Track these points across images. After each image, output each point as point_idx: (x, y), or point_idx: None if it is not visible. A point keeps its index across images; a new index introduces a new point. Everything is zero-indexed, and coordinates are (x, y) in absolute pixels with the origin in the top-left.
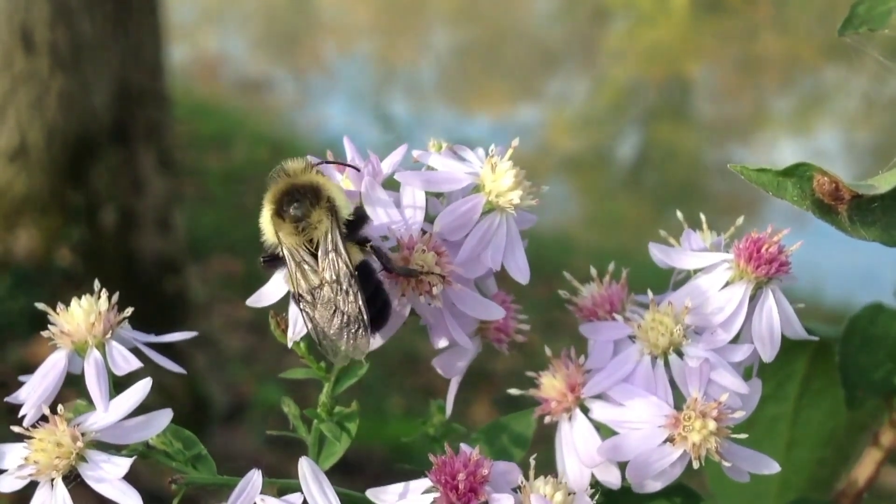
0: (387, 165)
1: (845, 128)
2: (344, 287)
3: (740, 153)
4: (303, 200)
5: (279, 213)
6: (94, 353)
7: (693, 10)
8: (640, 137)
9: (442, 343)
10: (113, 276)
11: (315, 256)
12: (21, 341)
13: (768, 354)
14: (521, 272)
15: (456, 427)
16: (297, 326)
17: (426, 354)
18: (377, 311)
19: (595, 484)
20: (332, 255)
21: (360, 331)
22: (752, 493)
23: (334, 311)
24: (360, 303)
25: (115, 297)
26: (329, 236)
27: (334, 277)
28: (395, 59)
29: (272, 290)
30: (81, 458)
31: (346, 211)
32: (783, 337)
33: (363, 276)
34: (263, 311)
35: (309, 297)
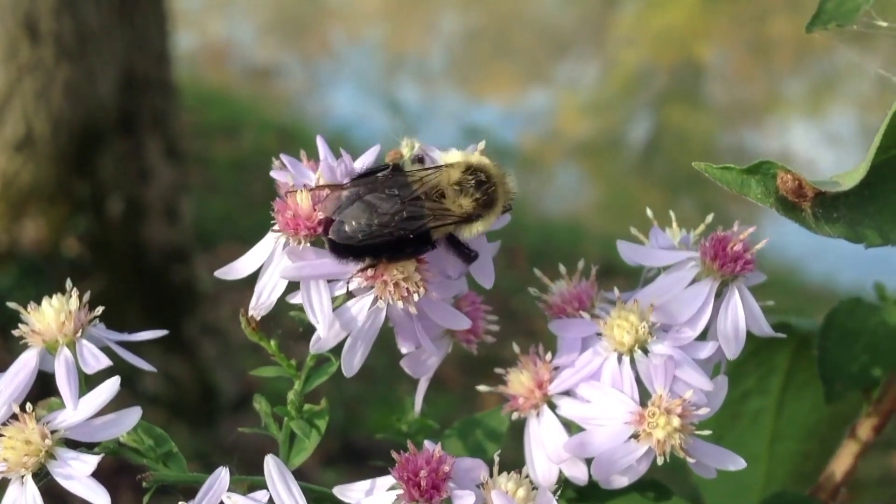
0: (359, 165)
1: (858, 110)
2: (403, 216)
3: (753, 137)
4: (484, 187)
5: (468, 171)
6: (65, 352)
7: None
8: (652, 122)
9: (408, 348)
10: (120, 266)
11: (430, 197)
12: None
13: (732, 351)
14: (486, 276)
15: (429, 423)
16: (260, 298)
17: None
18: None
19: (564, 480)
20: (438, 208)
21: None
22: (736, 486)
23: (378, 208)
24: (382, 234)
25: (87, 296)
26: (453, 208)
27: (414, 206)
28: (404, 45)
29: (245, 264)
30: (51, 455)
31: (471, 230)
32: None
33: (417, 240)
34: None
35: (394, 188)
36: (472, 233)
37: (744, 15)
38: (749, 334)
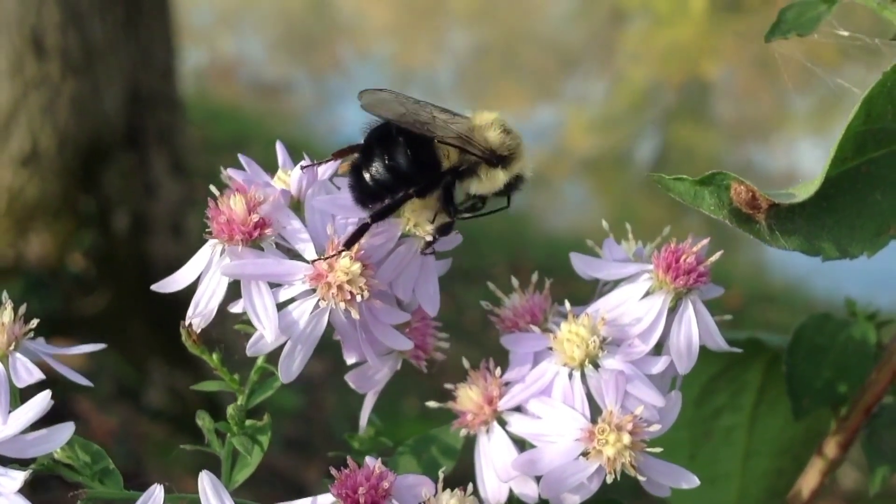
0: (323, 171)
1: None
2: (432, 123)
3: (760, 153)
4: (512, 135)
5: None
6: None
7: (711, 10)
8: (659, 138)
9: (352, 359)
10: (125, 281)
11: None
12: None
13: (685, 366)
14: (431, 302)
15: (382, 441)
16: (198, 307)
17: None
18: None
19: (515, 499)
20: (466, 136)
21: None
22: (709, 503)
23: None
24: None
25: (23, 308)
26: (472, 145)
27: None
28: (413, 61)
29: (183, 275)
30: None
31: (487, 177)
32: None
33: (428, 164)
34: None
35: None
36: (484, 180)
37: (750, 32)
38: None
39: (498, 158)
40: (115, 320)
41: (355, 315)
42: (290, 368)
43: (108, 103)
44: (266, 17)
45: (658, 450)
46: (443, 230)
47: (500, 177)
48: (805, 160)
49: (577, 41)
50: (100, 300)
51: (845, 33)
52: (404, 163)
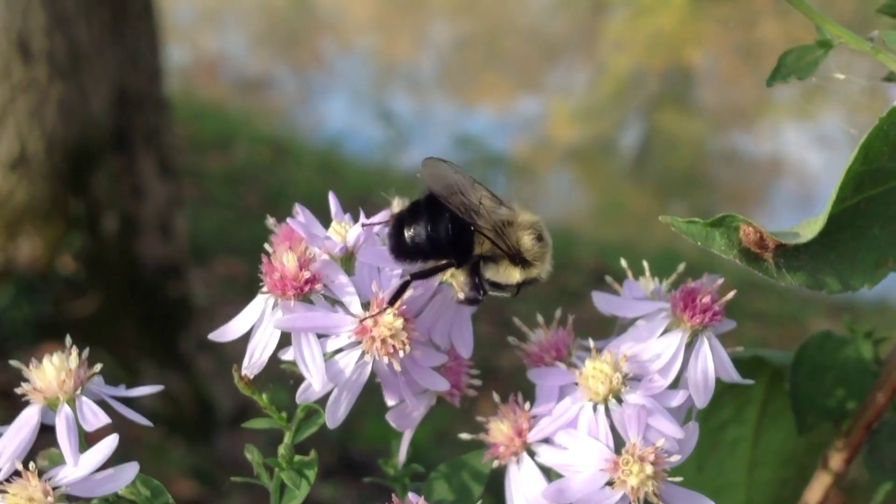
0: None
1: (848, 113)
2: (475, 210)
3: (744, 140)
4: (542, 244)
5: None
6: (65, 409)
7: None
8: (643, 127)
9: (393, 400)
10: (115, 283)
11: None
12: (25, 350)
13: (702, 400)
14: (465, 345)
15: (415, 467)
16: (252, 358)
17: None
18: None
19: None
20: (503, 229)
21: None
22: None
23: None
24: (454, 200)
25: (86, 352)
26: (503, 241)
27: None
28: (395, 55)
29: (237, 325)
30: None
31: (505, 269)
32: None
33: (463, 243)
34: None
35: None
36: (500, 272)
37: (732, 19)
38: None
39: (521, 260)
40: (105, 322)
41: (397, 367)
42: (336, 414)
43: (95, 106)
44: (248, 13)
45: (679, 479)
46: (471, 302)
47: (515, 275)
48: (788, 146)
49: (559, 31)
50: (90, 302)
51: (842, 76)
52: (443, 237)
